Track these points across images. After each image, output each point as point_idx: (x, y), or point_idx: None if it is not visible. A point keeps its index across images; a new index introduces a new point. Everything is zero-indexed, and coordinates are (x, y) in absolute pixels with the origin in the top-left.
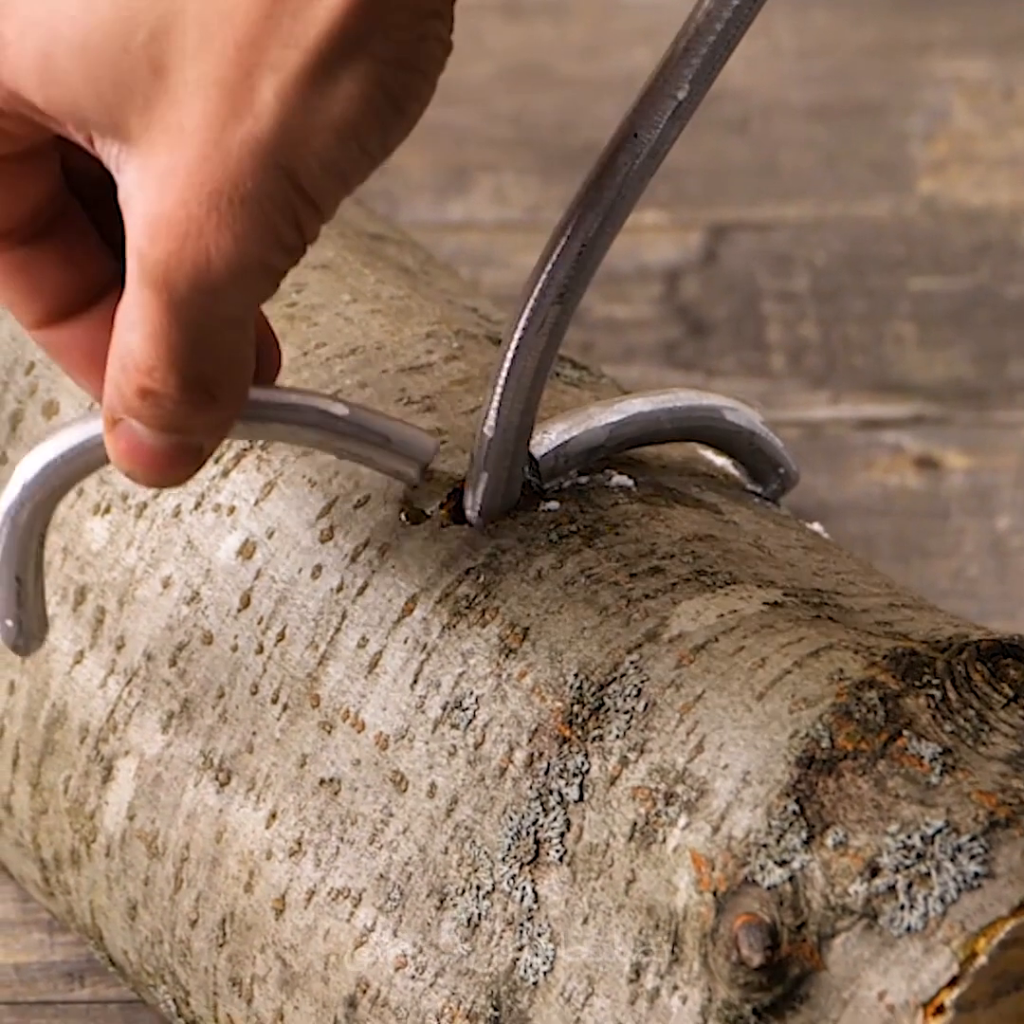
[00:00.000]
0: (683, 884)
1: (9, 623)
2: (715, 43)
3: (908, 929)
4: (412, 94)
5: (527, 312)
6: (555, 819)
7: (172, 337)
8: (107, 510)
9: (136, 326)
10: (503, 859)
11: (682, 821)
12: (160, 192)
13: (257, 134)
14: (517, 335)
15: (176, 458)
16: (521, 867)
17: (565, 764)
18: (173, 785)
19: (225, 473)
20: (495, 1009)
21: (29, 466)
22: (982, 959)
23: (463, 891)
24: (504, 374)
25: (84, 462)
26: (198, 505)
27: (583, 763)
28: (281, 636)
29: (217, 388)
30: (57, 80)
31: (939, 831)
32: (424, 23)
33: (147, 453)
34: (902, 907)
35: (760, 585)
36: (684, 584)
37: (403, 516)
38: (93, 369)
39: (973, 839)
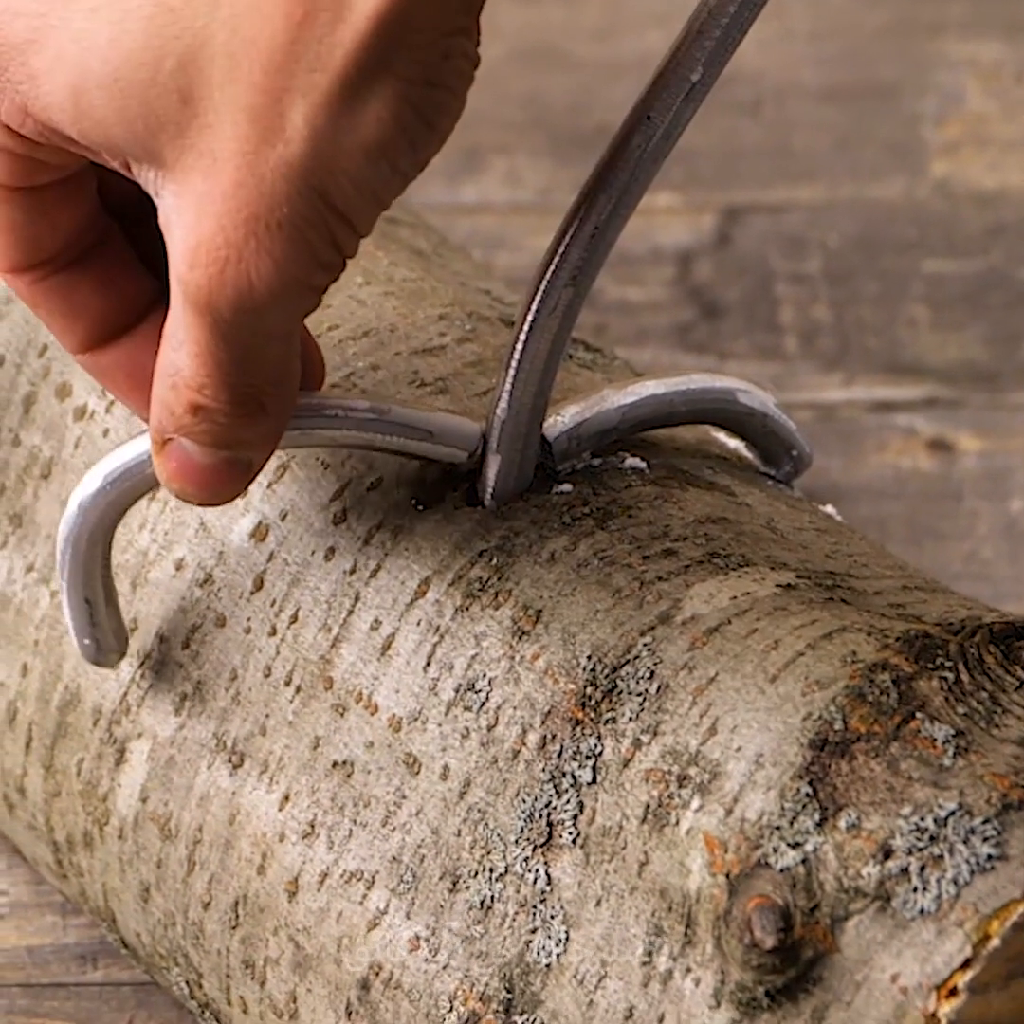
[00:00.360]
0: (696, 866)
1: (87, 642)
2: (728, 25)
3: (921, 911)
4: (441, 111)
5: (540, 294)
6: (568, 801)
7: (219, 355)
8: None
9: (183, 346)
10: (516, 841)
11: (695, 803)
12: (198, 218)
13: (289, 159)
14: (530, 317)
15: (227, 474)
16: (534, 849)
17: (578, 746)
18: (186, 767)
19: None
20: (508, 991)
21: (83, 491)
22: (995, 941)
23: (476, 873)
24: (517, 356)
25: (137, 481)
26: None
27: (596, 745)
28: (294, 618)
29: (267, 399)
30: (89, 114)
31: (952, 813)
32: (449, 41)
33: (198, 471)
34: (915, 889)
35: (773, 567)
36: (697, 566)
37: (416, 503)
38: (138, 390)
39: (986, 821)
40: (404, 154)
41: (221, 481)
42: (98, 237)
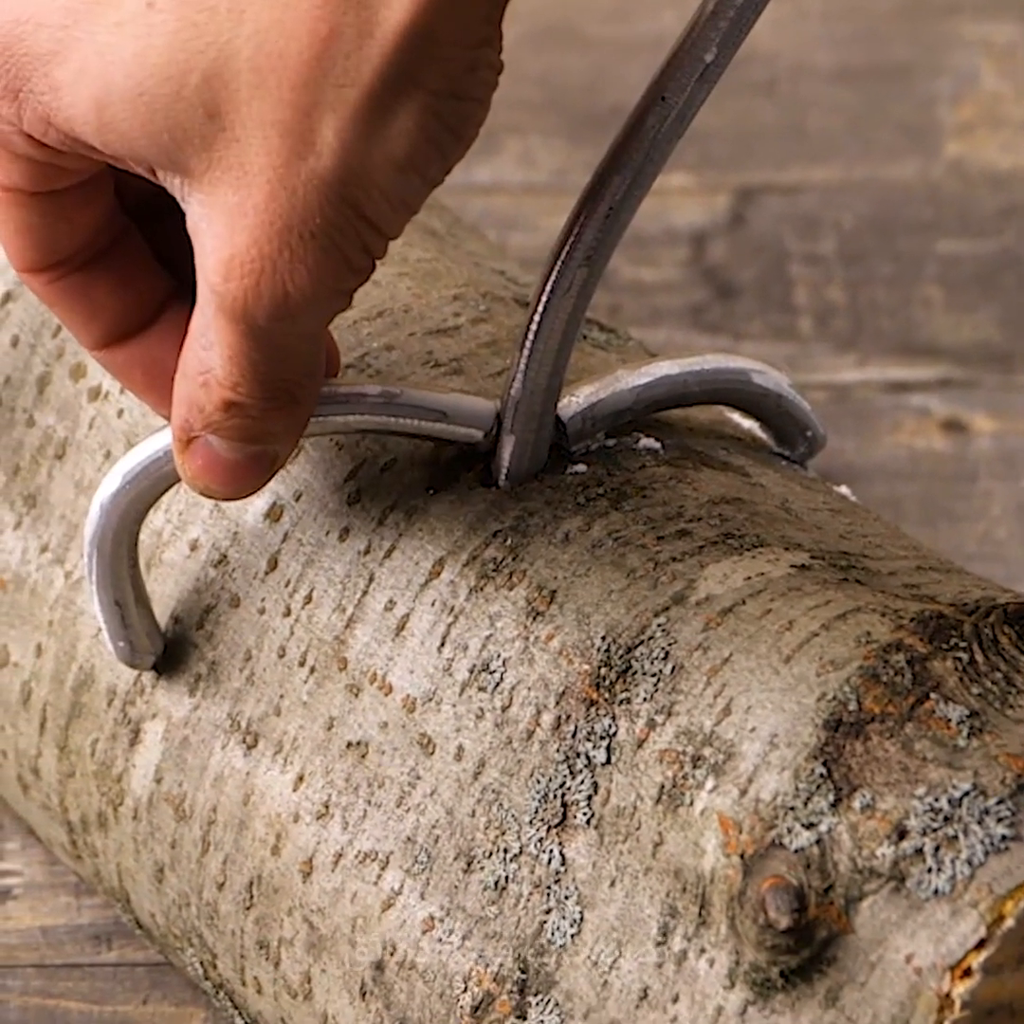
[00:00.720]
0: (710, 847)
1: (121, 644)
2: (743, 6)
3: (935, 892)
4: (468, 121)
5: (554, 275)
6: (582, 782)
7: (252, 356)
8: None
9: (214, 346)
10: (530, 822)
11: (709, 784)
12: (230, 230)
13: (320, 172)
14: (544, 297)
15: (253, 468)
16: (548, 830)
17: (592, 727)
18: (200, 748)
19: None
20: (522, 971)
21: (103, 493)
22: (1010, 922)
23: (490, 854)
24: (531, 336)
25: (157, 479)
26: None
27: (610, 726)
28: (308, 599)
29: (299, 390)
30: (113, 126)
31: (966, 794)
32: (475, 53)
33: (224, 467)
34: (929, 870)
35: (787, 548)
36: (711, 547)
37: (430, 483)
38: (155, 386)
39: (1000, 802)
40: (433, 164)
41: (247, 475)
42: (115, 236)
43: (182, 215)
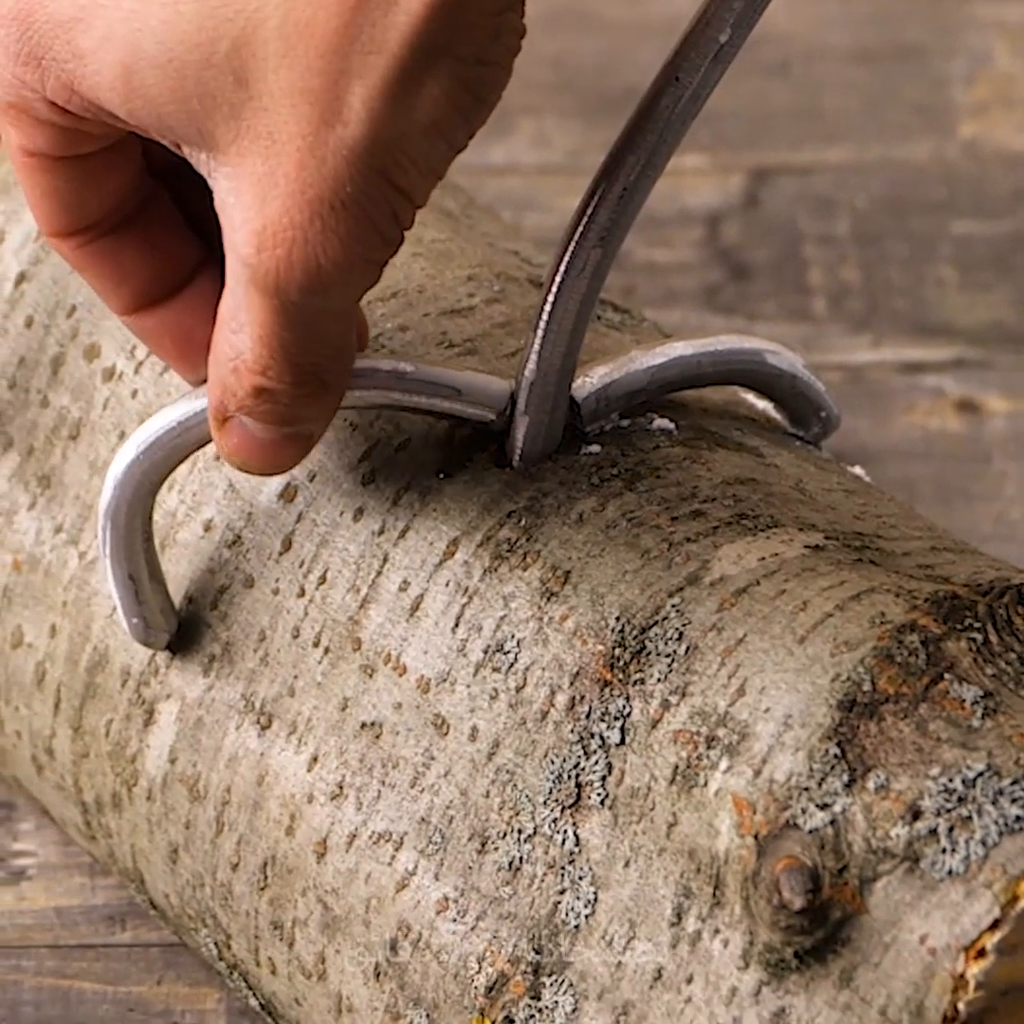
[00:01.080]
0: (725, 827)
1: (135, 621)
2: None
3: (949, 872)
4: (492, 86)
5: (568, 255)
6: (596, 762)
7: (284, 336)
8: None
9: (244, 328)
10: (544, 802)
11: (724, 764)
12: (260, 201)
13: (349, 141)
14: (558, 278)
15: (288, 447)
16: (562, 810)
17: (606, 707)
18: (215, 728)
19: None
20: (536, 952)
21: (116, 466)
22: (1023, 902)
23: (504, 834)
24: (545, 317)
25: (170, 450)
26: None
27: (624, 706)
28: (322, 579)
29: (328, 375)
30: (140, 93)
31: (981, 774)
32: (500, 18)
33: (259, 447)
34: (944, 850)
35: (801, 528)
36: (725, 527)
37: (444, 463)
38: (185, 352)
39: (1015, 782)
40: (459, 129)
41: (283, 454)
42: (143, 200)
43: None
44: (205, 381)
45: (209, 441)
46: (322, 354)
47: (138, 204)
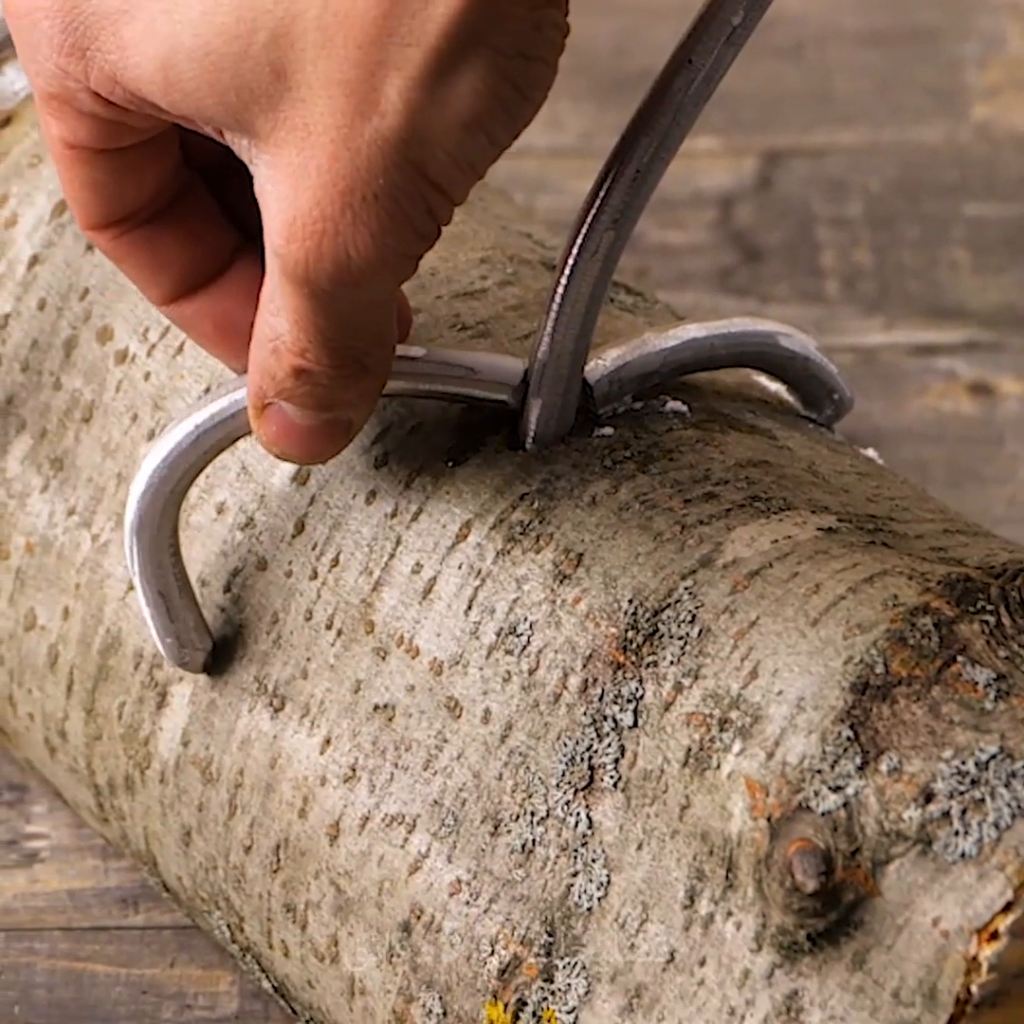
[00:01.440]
0: (737, 810)
1: (169, 641)
2: None
3: (962, 855)
4: (536, 82)
5: (581, 238)
6: (609, 745)
7: (319, 323)
8: None
9: (282, 312)
10: (557, 785)
11: (736, 747)
12: (293, 191)
13: (385, 133)
14: (571, 261)
15: (329, 434)
16: (575, 793)
17: (619, 690)
18: (227, 711)
19: None
20: (549, 935)
21: (137, 482)
22: None
23: (517, 817)
24: (558, 300)
25: (188, 461)
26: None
27: (637, 689)
28: (335, 562)
29: (368, 359)
30: (179, 86)
31: (993, 757)
32: (540, 12)
33: (300, 433)
34: (956, 833)
35: (814, 511)
36: (738, 510)
37: (457, 445)
38: (224, 339)
39: None
40: (501, 125)
41: (323, 442)
42: (180, 190)
43: (249, 174)
44: (247, 370)
45: (229, 444)
46: (361, 339)
47: (174, 194)
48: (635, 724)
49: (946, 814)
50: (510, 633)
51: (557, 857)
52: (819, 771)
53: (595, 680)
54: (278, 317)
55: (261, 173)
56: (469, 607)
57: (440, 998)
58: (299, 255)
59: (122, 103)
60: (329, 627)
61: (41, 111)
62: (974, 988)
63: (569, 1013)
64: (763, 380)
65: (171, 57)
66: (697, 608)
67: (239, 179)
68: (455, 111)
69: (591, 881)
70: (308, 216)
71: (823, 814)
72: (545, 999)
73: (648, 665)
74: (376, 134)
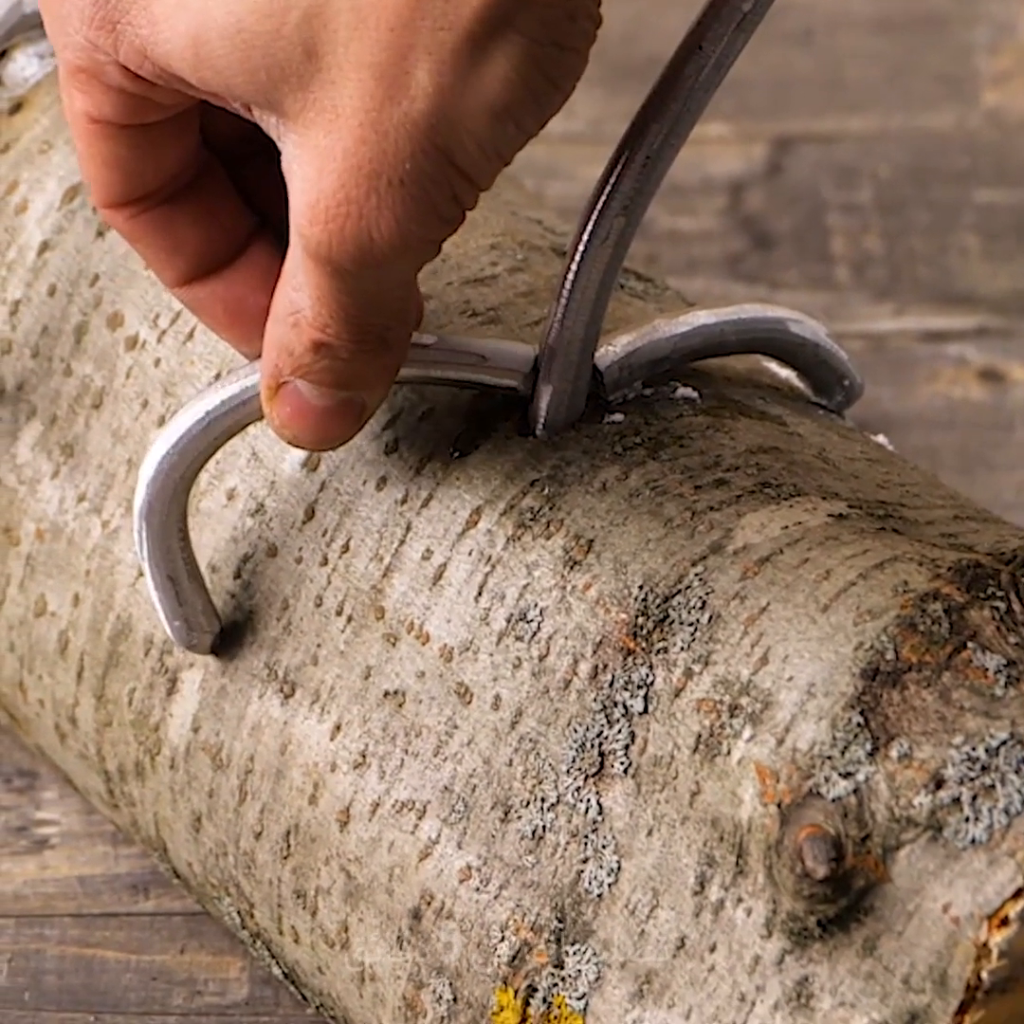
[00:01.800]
0: (748, 796)
1: (177, 623)
2: None
3: (973, 841)
4: (567, 72)
5: (591, 224)
6: (619, 731)
7: (342, 299)
8: None
9: (303, 288)
10: (567, 771)
11: (747, 733)
12: (319, 172)
13: (414, 116)
14: (581, 247)
15: (342, 416)
16: (585, 779)
17: (629, 676)
18: (238, 697)
19: None
20: (559, 921)
21: (147, 467)
22: None
23: (528, 803)
24: (568, 286)
25: (197, 447)
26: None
27: (647, 675)
28: (345, 548)
29: (389, 334)
30: (209, 62)
31: (1004, 743)
32: (575, 1)
33: (313, 414)
34: (967, 819)
35: (825, 497)
36: (749, 496)
37: (467, 432)
38: (236, 323)
39: None
40: (530, 114)
41: (336, 424)
42: (198, 171)
43: (269, 156)
44: (260, 356)
45: (239, 430)
46: (381, 315)
47: (193, 175)
48: (645, 710)
49: (956, 800)
50: (520, 619)
51: (567, 843)
52: (829, 757)
53: (605, 666)
54: (300, 292)
55: (288, 151)
56: (479, 593)
57: (450, 984)
58: (322, 237)
59: (150, 78)
60: (339, 613)
61: (66, 85)
62: (984, 974)
63: (579, 999)
64: (773, 366)
65: (202, 33)
66: (707, 594)
67: (257, 163)
68: (485, 98)
69: (601, 867)
70: (332, 199)
71: (833, 800)
72: (555, 985)
73: (658, 651)
74: (405, 118)
